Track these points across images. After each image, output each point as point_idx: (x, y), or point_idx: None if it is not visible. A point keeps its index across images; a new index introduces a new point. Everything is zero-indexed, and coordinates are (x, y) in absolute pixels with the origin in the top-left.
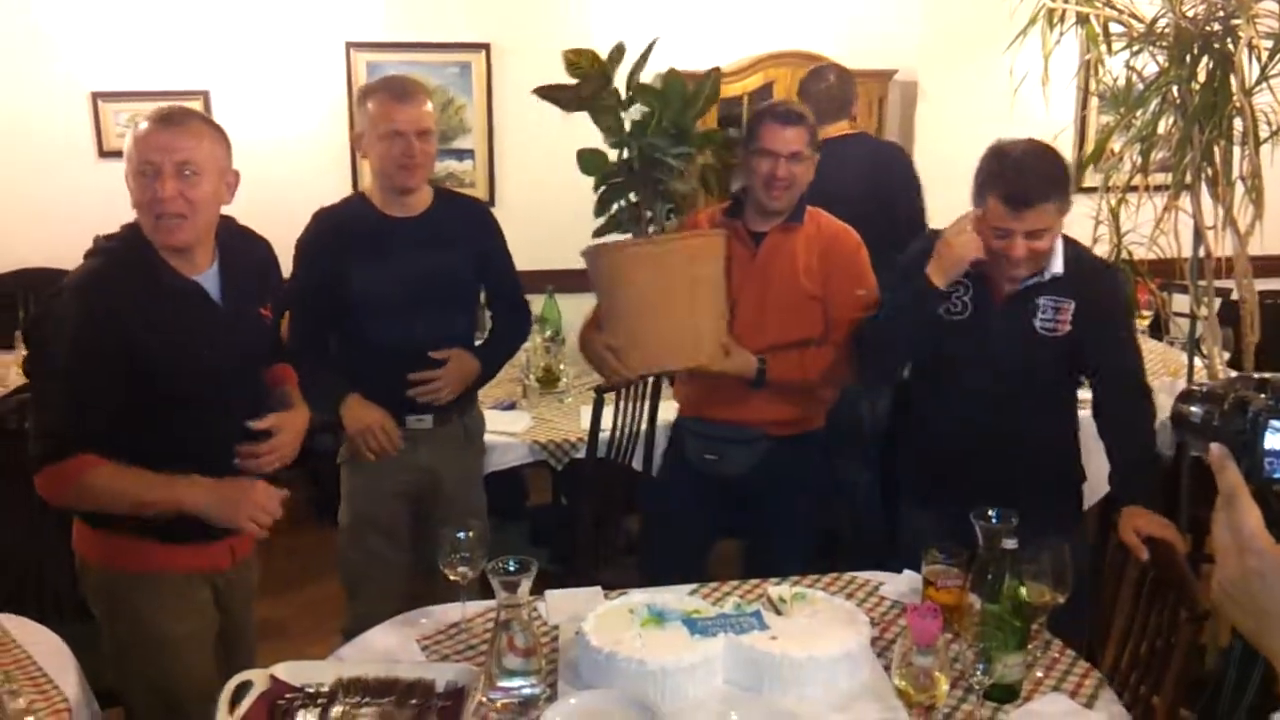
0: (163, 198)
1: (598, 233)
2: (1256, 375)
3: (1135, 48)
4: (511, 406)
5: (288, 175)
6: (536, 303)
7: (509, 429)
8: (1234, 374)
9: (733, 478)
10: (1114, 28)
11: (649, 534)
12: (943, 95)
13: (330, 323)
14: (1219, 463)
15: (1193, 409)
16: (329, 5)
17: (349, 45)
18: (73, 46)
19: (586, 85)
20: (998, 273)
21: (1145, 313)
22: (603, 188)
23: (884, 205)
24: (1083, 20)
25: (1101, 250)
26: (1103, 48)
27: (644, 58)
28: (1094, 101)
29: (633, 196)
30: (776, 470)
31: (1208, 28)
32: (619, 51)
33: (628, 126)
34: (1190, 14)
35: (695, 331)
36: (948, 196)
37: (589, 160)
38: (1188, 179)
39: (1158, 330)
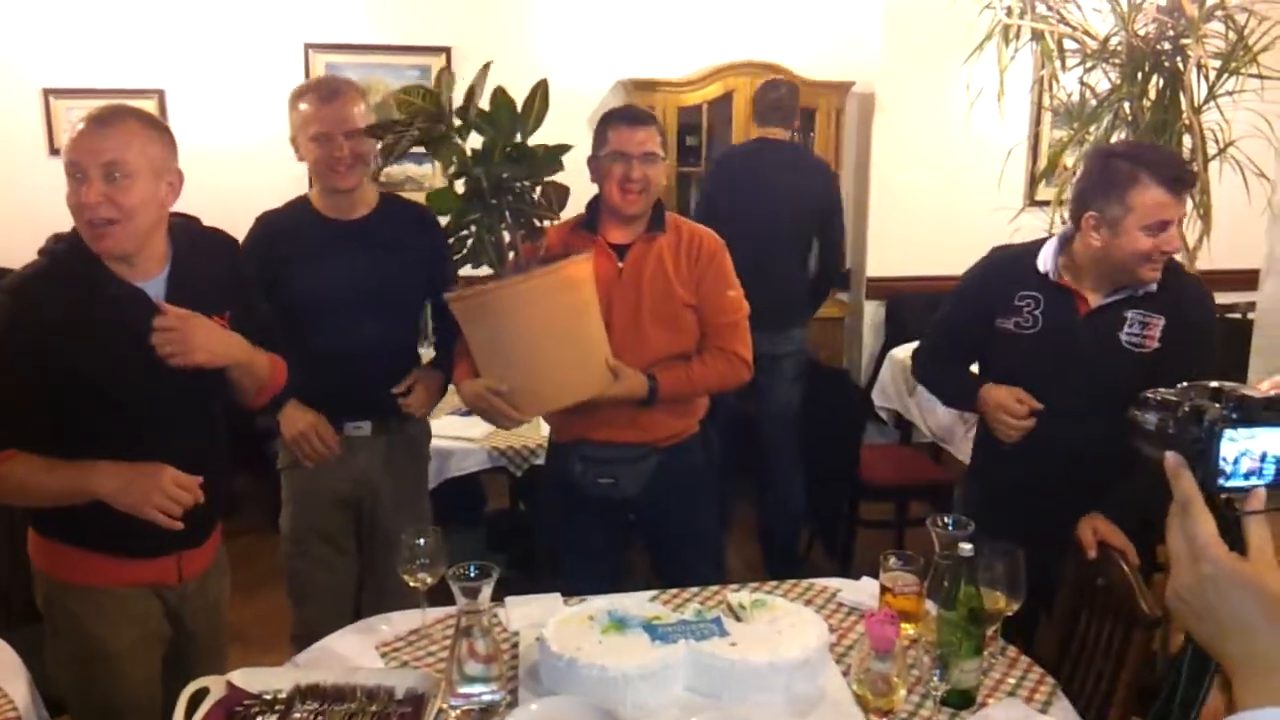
0: (89, 203)
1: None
2: (1212, 384)
3: (1089, 64)
4: (468, 412)
5: (244, 177)
6: None
7: (467, 434)
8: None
9: (628, 496)
10: (1068, 44)
11: (557, 566)
12: (900, 108)
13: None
14: (1174, 471)
15: (1147, 416)
16: (288, 5)
17: (308, 46)
18: (24, 42)
19: (418, 122)
20: (1128, 278)
21: None
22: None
23: (803, 213)
24: (1037, 36)
25: None
26: (1056, 64)
27: (480, 79)
28: (1047, 117)
29: (503, 231)
30: (670, 480)
31: (1158, 46)
32: (449, 78)
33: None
34: (1142, 32)
35: (583, 362)
36: (901, 207)
37: (439, 199)
38: None
39: None
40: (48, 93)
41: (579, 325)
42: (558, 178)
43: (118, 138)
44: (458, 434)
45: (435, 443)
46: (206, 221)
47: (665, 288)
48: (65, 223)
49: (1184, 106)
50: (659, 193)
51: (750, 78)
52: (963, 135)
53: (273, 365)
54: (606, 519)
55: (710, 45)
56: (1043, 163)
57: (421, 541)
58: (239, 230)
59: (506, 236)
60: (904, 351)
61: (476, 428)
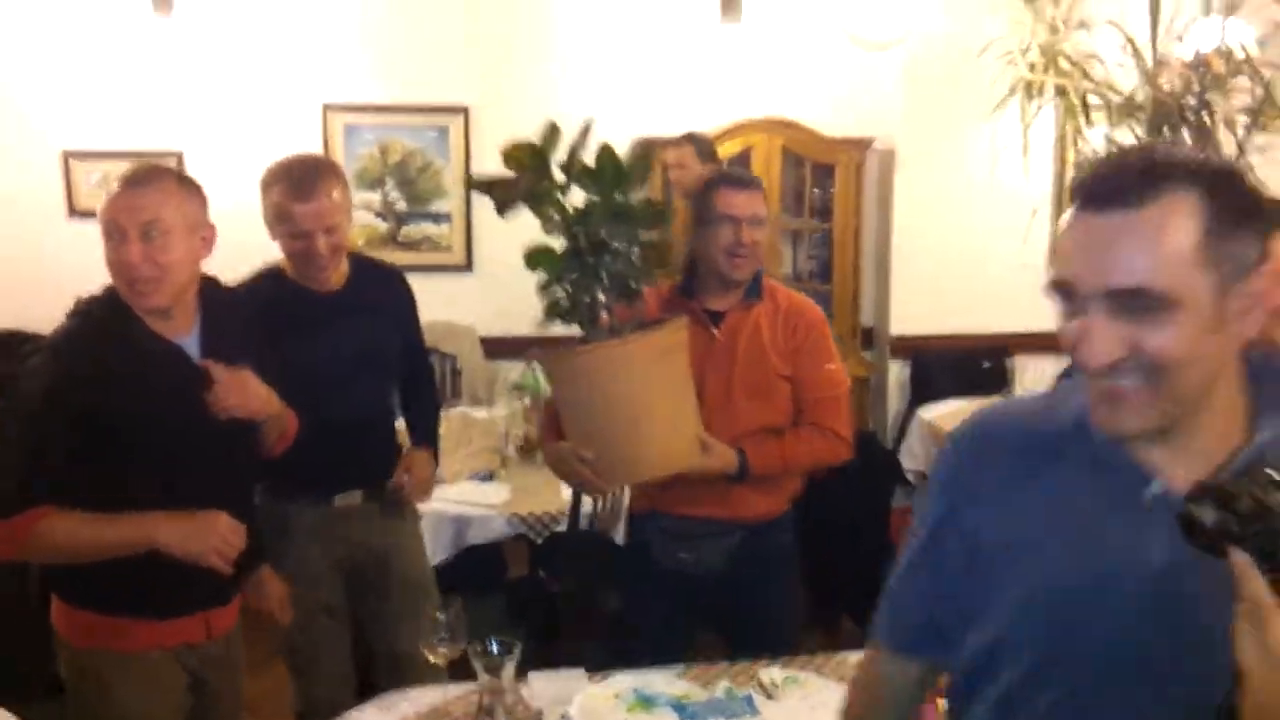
0: (130, 262)
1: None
2: (1271, 472)
3: (1114, 120)
4: (490, 477)
5: (262, 238)
6: (514, 369)
7: (487, 501)
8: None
9: (708, 573)
10: (1092, 100)
11: (626, 645)
12: (921, 164)
13: None
14: (1243, 573)
15: (1205, 512)
16: (306, 66)
17: (326, 107)
18: (44, 105)
19: (525, 178)
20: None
21: None
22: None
23: None
24: (1060, 93)
25: None
26: (1081, 120)
27: (582, 137)
28: (1070, 172)
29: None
30: (754, 559)
31: (1184, 101)
32: (554, 133)
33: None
34: (1166, 88)
35: (673, 434)
36: (924, 263)
37: (540, 258)
38: None
39: None
40: (67, 155)
41: (672, 395)
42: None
43: (154, 196)
44: (477, 500)
45: (453, 510)
46: (226, 282)
47: (760, 358)
48: (84, 284)
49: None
50: (763, 259)
51: (768, 134)
52: (986, 191)
53: (287, 414)
54: (680, 595)
55: (730, 101)
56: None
57: (443, 615)
58: None
59: (601, 297)
60: (931, 412)
61: (497, 494)
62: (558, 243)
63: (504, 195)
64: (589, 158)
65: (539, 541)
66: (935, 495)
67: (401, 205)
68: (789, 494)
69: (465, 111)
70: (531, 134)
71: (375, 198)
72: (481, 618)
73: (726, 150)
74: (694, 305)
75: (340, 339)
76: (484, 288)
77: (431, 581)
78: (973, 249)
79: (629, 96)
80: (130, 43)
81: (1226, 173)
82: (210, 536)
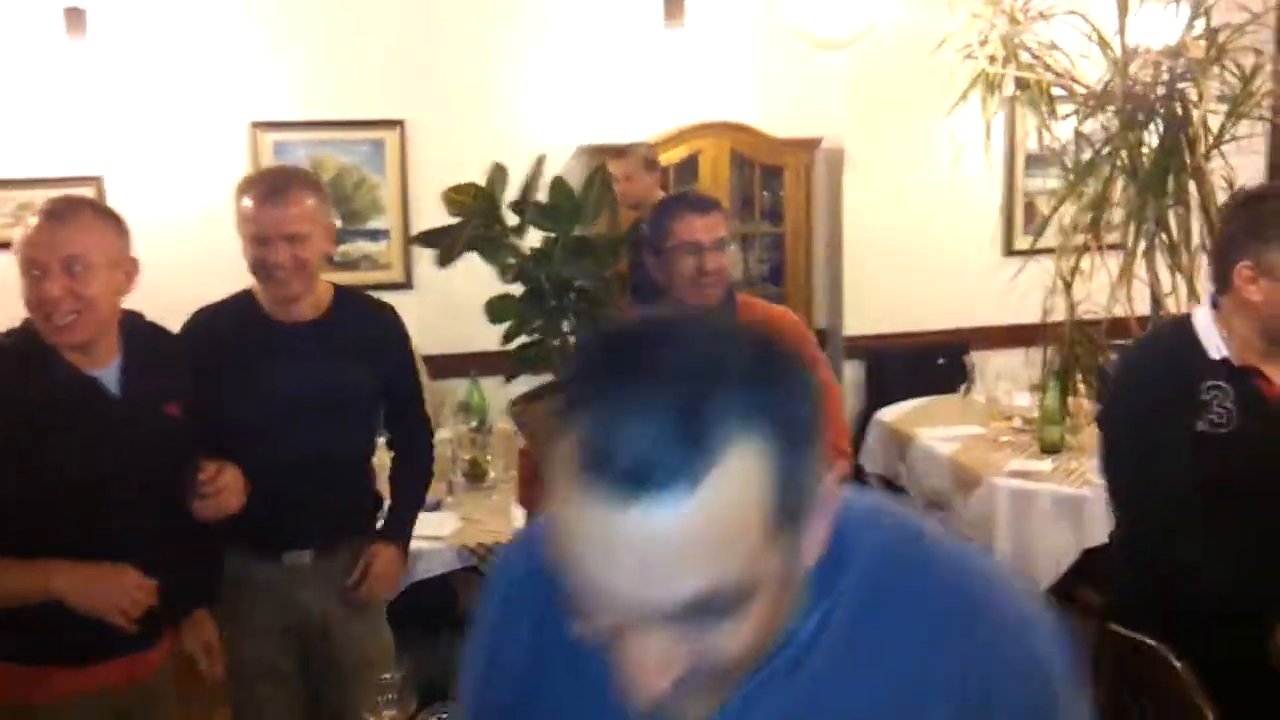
0: (51, 298)
1: (510, 378)
2: None
3: (1083, 113)
4: (436, 506)
5: (188, 265)
6: (459, 388)
7: (435, 533)
8: None
9: None
10: (1056, 91)
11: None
12: (870, 162)
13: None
14: None
15: None
16: (230, 83)
17: (253, 125)
18: None
19: (473, 223)
20: None
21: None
22: (511, 328)
23: None
24: (1023, 86)
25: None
26: (1045, 113)
27: (535, 174)
28: (1020, 167)
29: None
30: None
31: (1155, 91)
32: (500, 173)
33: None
34: (1138, 77)
35: None
36: (876, 262)
37: (500, 309)
38: (1143, 245)
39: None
40: None
41: None
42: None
43: (74, 231)
44: (423, 533)
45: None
46: (151, 308)
47: None
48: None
49: (1190, 153)
50: (729, 280)
51: (716, 138)
52: (936, 187)
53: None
54: None
55: (675, 106)
56: (1019, 213)
57: (389, 677)
58: (184, 316)
59: (571, 339)
60: (891, 414)
61: (445, 525)
62: (516, 288)
63: (449, 245)
64: (542, 193)
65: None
66: None
67: (337, 223)
68: None
69: (401, 125)
70: (468, 147)
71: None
72: (432, 657)
73: (673, 156)
74: None
75: (298, 377)
76: (425, 305)
77: (388, 651)
78: (925, 246)
79: (572, 105)
80: (44, 66)
81: (781, 365)
82: (112, 591)
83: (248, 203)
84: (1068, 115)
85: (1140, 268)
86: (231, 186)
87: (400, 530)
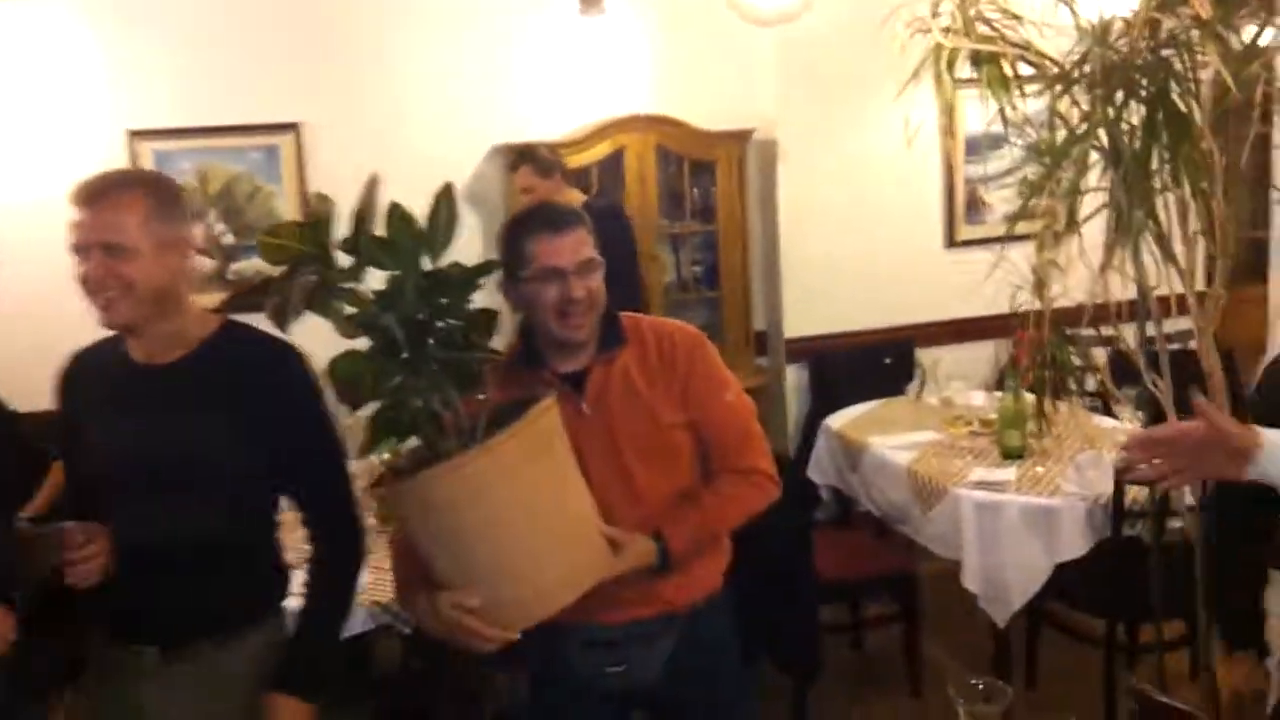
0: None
1: (364, 452)
2: None
3: (1057, 89)
4: None
5: (62, 285)
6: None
7: None
8: None
9: (644, 685)
10: (1023, 68)
11: None
12: (803, 153)
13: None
14: None
15: None
16: (104, 89)
17: (131, 134)
18: None
19: (300, 271)
20: None
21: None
22: (377, 404)
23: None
24: (986, 60)
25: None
26: (1014, 92)
27: (368, 203)
28: (960, 152)
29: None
30: (696, 656)
31: (1138, 61)
32: (323, 203)
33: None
34: (1116, 46)
35: (574, 543)
36: (815, 259)
37: (346, 369)
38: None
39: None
40: None
41: (561, 496)
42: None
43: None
44: None
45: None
46: (14, 330)
47: (645, 416)
48: None
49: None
50: (603, 304)
51: (641, 133)
52: (874, 177)
53: None
54: (613, 716)
55: (594, 101)
56: (959, 201)
57: None
58: (54, 340)
59: (436, 395)
60: (839, 420)
61: None
62: (362, 343)
63: (280, 303)
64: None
65: (407, 631)
66: None
67: (229, 238)
68: (721, 565)
69: (295, 128)
70: (374, 147)
71: (196, 232)
72: None
73: (596, 153)
74: (543, 374)
75: (143, 435)
76: (326, 328)
77: None
78: (865, 240)
79: (485, 101)
80: None
81: None
82: None
83: (72, 208)
84: (1038, 93)
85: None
86: None
87: (301, 672)
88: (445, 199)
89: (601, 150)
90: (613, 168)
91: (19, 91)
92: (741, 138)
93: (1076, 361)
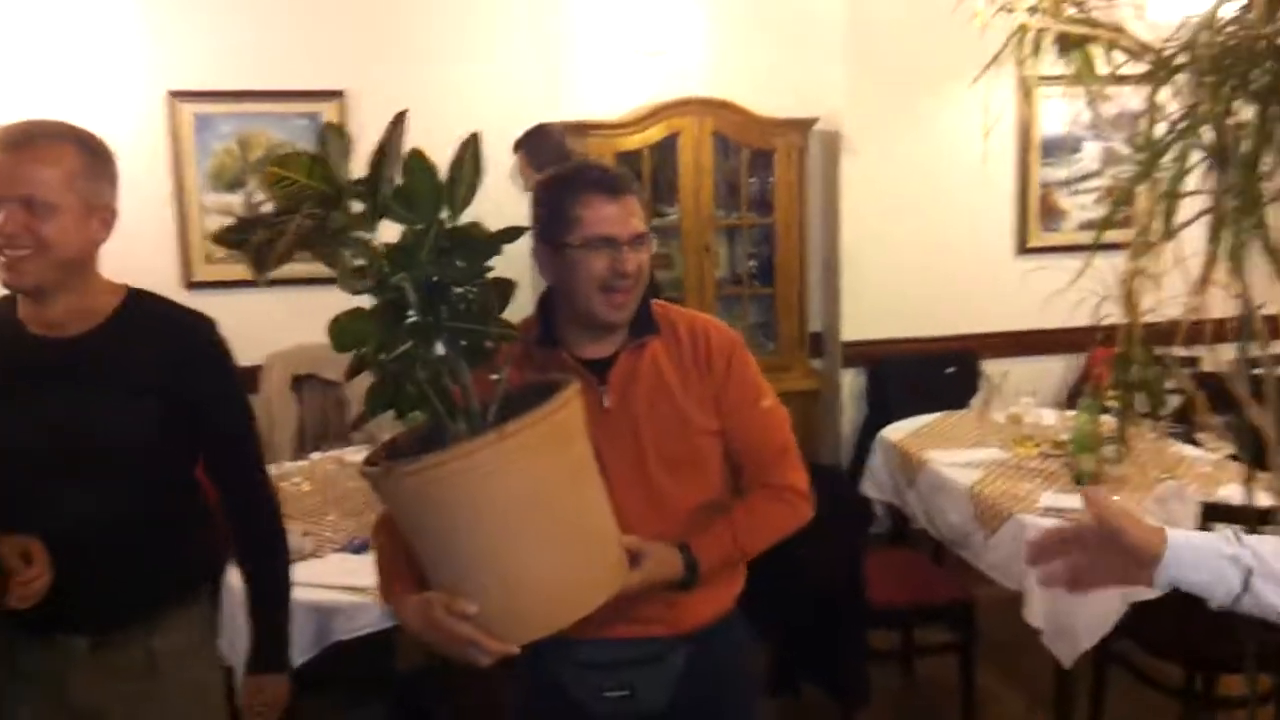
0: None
1: (359, 423)
2: None
3: (1160, 76)
4: (365, 547)
5: (105, 247)
6: None
7: (355, 582)
8: None
9: (649, 711)
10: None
11: None
12: (871, 146)
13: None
14: None
15: None
16: (147, 49)
17: (171, 94)
18: None
19: (305, 211)
20: None
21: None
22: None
23: None
24: (1074, 45)
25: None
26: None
27: (393, 137)
28: (1035, 152)
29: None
30: (705, 681)
31: (1256, 48)
32: (339, 138)
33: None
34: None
35: (590, 553)
36: (878, 258)
37: (350, 331)
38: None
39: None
40: None
41: (577, 498)
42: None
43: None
44: (343, 582)
45: (316, 596)
46: None
47: (673, 414)
48: None
49: None
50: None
51: (697, 116)
52: (944, 175)
53: None
54: None
55: (650, 81)
56: (1033, 204)
57: None
58: None
59: (447, 368)
60: (897, 433)
61: (371, 572)
62: (367, 302)
63: (264, 243)
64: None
65: None
66: None
67: (268, 208)
68: (734, 588)
69: (340, 96)
70: (423, 123)
71: (236, 201)
72: None
73: (649, 137)
74: (563, 357)
75: (46, 413)
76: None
77: None
78: (932, 242)
79: (532, 78)
80: None
81: None
82: None
83: None
84: (1136, 80)
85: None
86: (146, 160)
87: (268, 651)
88: (470, 149)
89: (655, 134)
90: (666, 153)
91: (58, 47)
92: (803, 126)
93: (1167, 384)
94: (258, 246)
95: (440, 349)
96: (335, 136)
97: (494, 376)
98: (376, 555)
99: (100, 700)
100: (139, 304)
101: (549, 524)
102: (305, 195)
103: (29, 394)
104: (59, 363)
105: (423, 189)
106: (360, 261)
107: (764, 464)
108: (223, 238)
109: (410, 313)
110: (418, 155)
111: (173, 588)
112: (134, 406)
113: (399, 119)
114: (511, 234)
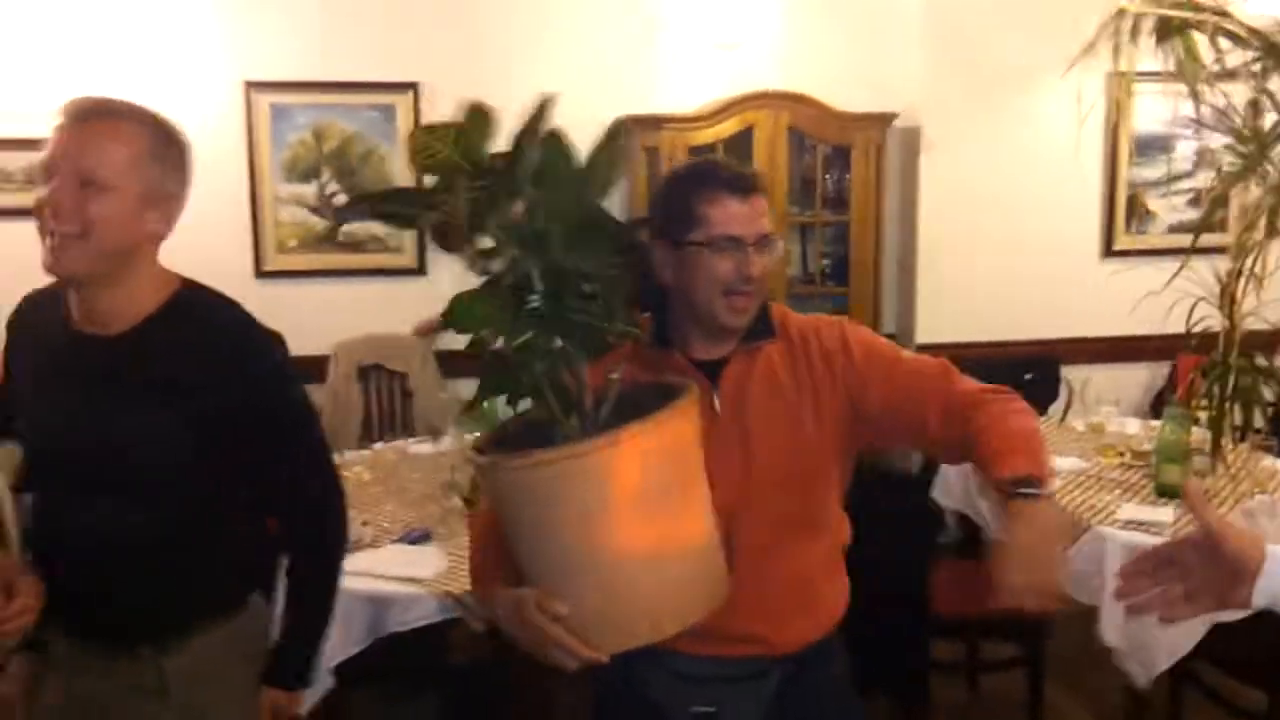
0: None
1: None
2: None
3: (1268, 63)
4: (425, 537)
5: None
6: (471, 389)
7: (413, 573)
8: None
9: None
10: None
11: None
12: (951, 143)
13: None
14: None
15: None
16: (225, 39)
17: (249, 85)
18: None
19: (455, 184)
20: None
21: None
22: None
23: None
24: (1175, 31)
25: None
26: (1212, 62)
27: (533, 125)
28: (1125, 151)
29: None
30: (799, 705)
31: None
32: (484, 117)
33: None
34: None
35: (695, 563)
36: (955, 259)
37: (469, 312)
38: None
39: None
40: None
41: (686, 508)
42: None
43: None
44: (400, 573)
45: (367, 587)
46: None
47: (786, 425)
48: None
49: None
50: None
51: (772, 110)
52: (1027, 173)
53: None
54: None
55: (724, 74)
56: (1120, 204)
57: None
58: None
59: (565, 362)
60: None
61: (428, 565)
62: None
63: (447, 214)
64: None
65: (480, 629)
66: None
67: (341, 199)
68: (839, 606)
69: (414, 88)
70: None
71: (309, 190)
72: None
73: (722, 131)
74: (676, 358)
75: (71, 414)
76: (440, 294)
77: None
78: (1013, 243)
79: (606, 71)
80: (14, 11)
81: None
82: None
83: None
84: (1244, 66)
85: None
86: (224, 151)
87: (286, 670)
88: (615, 136)
89: (729, 127)
90: (741, 147)
91: (135, 37)
92: (882, 121)
93: (1268, 395)
94: (438, 226)
95: (559, 341)
96: (480, 113)
97: (610, 374)
98: (473, 545)
99: (108, 699)
100: (188, 302)
101: (655, 533)
102: (447, 169)
103: (63, 394)
104: (97, 362)
105: (562, 172)
106: (488, 244)
107: (950, 398)
108: (378, 209)
109: (533, 300)
110: (556, 137)
111: (190, 609)
112: (164, 415)
113: (546, 100)
114: (646, 224)
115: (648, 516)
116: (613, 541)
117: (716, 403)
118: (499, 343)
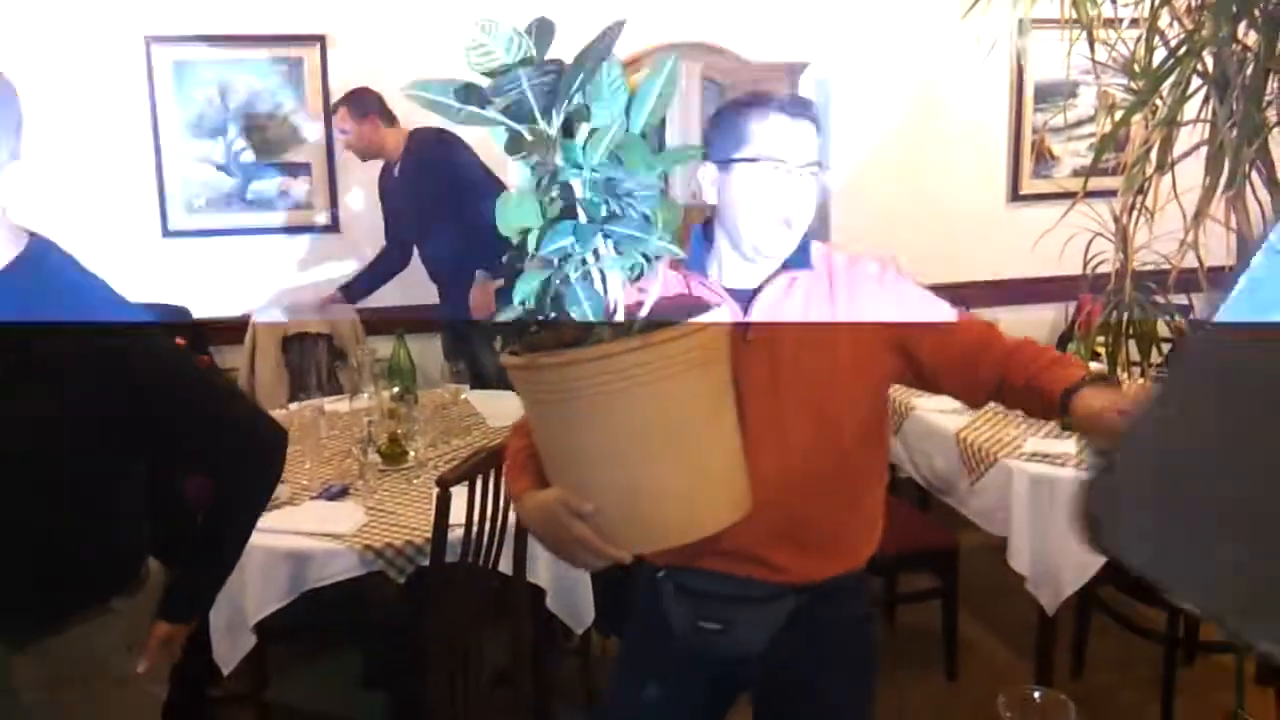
0: None
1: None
2: None
3: (1154, 3)
4: (343, 492)
5: (77, 192)
6: (384, 346)
7: (331, 529)
8: None
9: (741, 654)
10: None
11: None
12: (858, 91)
13: None
14: None
15: None
16: None
17: (149, 39)
18: None
19: (528, 76)
20: None
21: None
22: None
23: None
24: None
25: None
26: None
27: (597, 48)
28: (1029, 96)
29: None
30: (811, 638)
31: None
32: (545, 30)
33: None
34: None
35: (718, 475)
36: (868, 210)
37: (516, 210)
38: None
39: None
40: None
41: (709, 423)
42: None
43: None
44: (318, 529)
45: (287, 544)
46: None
47: (818, 357)
48: None
49: None
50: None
51: (686, 61)
52: (932, 122)
53: None
54: (705, 684)
55: (634, 24)
56: (1026, 148)
57: None
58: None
59: (605, 276)
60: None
61: (346, 519)
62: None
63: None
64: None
65: (401, 580)
66: None
67: (248, 156)
68: (869, 545)
69: (321, 40)
70: (404, 66)
71: (216, 147)
72: (329, 684)
73: (633, 83)
74: (712, 283)
75: None
76: (355, 251)
77: None
78: (921, 190)
79: (518, 20)
80: None
81: None
82: None
83: None
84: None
85: (1218, 208)
86: (124, 107)
87: (179, 602)
88: (672, 62)
89: (643, 78)
90: None
91: None
92: (794, 72)
93: (1163, 330)
94: (506, 106)
95: (598, 253)
96: (542, 28)
97: (640, 290)
98: (509, 455)
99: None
100: (37, 266)
101: (679, 440)
102: (500, 69)
103: None
104: None
105: (610, 87)
106: (535, 158)
107: (998, 344)
108: (427, 98)
109: (575, 209)
110: (611, 61)
111: (86, 593)
112: (23, 406)
113: (614, 26)
114: (693, 151)
115: (673, 423)
116: (638, 444)
117: (749, 332)
118: (537, 247)
